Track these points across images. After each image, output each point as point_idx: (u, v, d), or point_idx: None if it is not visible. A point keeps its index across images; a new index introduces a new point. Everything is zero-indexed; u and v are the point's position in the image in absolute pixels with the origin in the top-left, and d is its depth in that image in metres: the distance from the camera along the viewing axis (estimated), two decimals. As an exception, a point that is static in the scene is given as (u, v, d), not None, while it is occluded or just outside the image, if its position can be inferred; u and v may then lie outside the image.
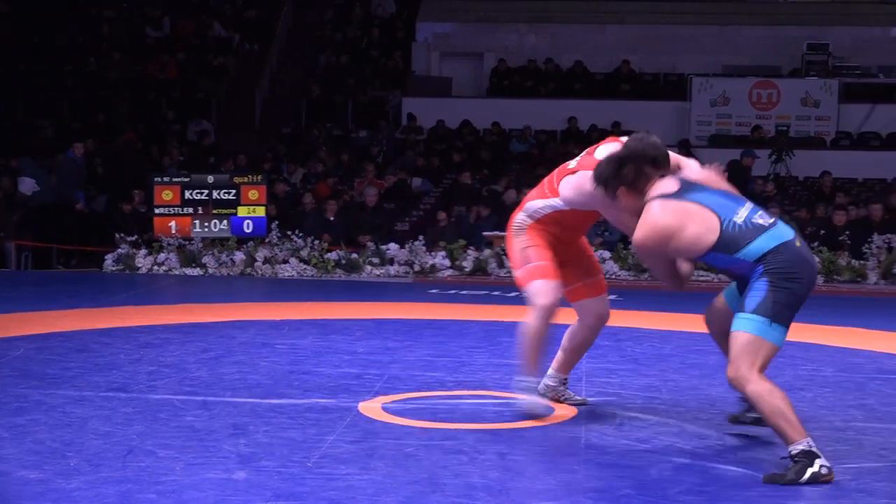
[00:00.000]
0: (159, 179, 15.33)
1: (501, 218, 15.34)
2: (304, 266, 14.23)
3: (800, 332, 9.41)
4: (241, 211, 15.13)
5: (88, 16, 25.76)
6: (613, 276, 13.91)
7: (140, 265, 14.47)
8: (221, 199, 15.12)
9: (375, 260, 14.30)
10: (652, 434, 5.64)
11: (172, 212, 15.05)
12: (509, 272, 13.90)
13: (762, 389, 4.88)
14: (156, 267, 14.44)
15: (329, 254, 14.34)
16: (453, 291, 12.52)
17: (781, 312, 4.98)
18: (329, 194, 17.35)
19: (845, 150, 21.77)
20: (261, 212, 15.16)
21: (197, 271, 14.29)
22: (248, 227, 15.09)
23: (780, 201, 16.83)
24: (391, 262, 14.28)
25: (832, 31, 24.49)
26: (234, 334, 8.81)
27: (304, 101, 23.56)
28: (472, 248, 14.54)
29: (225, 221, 15.09)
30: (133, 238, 14.79)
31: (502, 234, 14.53)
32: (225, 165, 18.64)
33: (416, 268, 14.21)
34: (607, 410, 6.18)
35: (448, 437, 5.52)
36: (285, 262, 14.29)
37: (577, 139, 21.86)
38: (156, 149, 20.21)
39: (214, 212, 15.10)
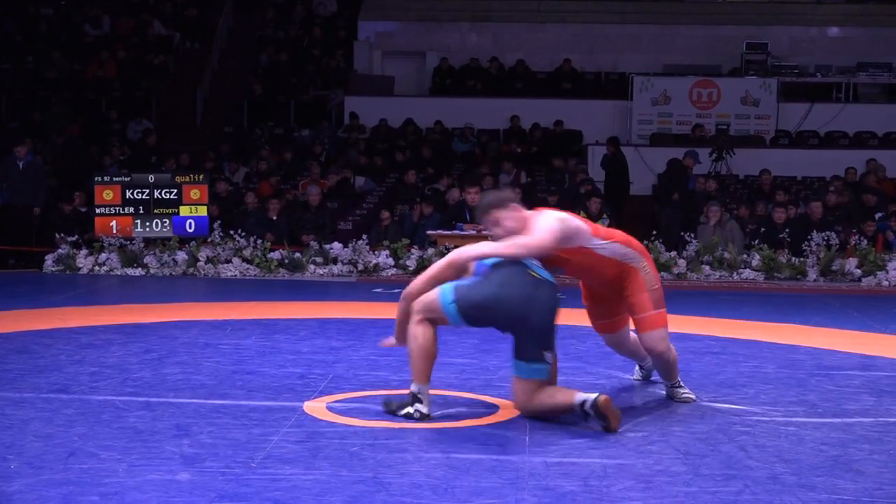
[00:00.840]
0: (100, 179, 15.21)
1: (445, 217, 15.37)
2: (247, 266, 14.17)
3: (741, 330, 9.53)
4: (183, 210, 15.04)
5: (26, 14, 25.48)
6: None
7: (81, 265, 14.35)
8: (163, 198, 15.02)
9: (319, 259, 14.26)
10: (596, 431, 5.67)
11: (113, 211, 14.94)
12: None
13: (421, 330, 5.81)
14: (97, 267, 14.32)
15: (272, 253, 14.29)
16: (397, 290, 12.38)
17: (469, 298, 5.78)
18: (271, 193, 17.28)
19: (784, 148, 22.00)
20: (203, 211, 15.07)
21: (139, 271, 14.19)
22: (190, 227, 15.00)
23: (721, 199, 16.96)
24: (335, 261, 14.26)
25: (771, 30, 24.76)
26: (176, 335, 8.76)
27: (246, 101, 23.45)
28: (415, 247, 14.54)
29: (167, 221, 14.99)
30: (74, 238, 14.65)
31: (445, 232, 14.57)
32: (166, 165, 18.51)
33: (360, 267, 14.19)
34: (551, 408, 6.21)
35: (393, 436, 5.52)
36: (228, 261, 14.22)
37: (520, 138, 21.95)
38: (96, 148, 20.04)
39: (156, 211, 15.00)
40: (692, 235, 14.84)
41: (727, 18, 25.19)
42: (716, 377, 7.25)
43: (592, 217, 15.36)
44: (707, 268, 14.28)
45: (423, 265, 14.05)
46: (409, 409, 5.85)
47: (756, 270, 14.25)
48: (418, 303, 5.87)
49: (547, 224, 5.94)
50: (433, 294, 5.84)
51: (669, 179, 18.79)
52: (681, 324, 9.88)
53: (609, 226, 15.20)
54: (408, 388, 6.69)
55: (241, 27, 26.23)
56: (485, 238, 14.25)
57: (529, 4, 25.54)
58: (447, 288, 5.82)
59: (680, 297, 12.45)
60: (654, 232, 15.26)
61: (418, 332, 5.81)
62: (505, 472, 4.90)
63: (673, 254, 14.49)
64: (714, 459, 5.16)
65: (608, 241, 6.20)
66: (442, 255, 14.04)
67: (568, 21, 25.31)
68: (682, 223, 16.69)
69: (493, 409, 6.19)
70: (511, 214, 6.02)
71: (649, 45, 24.94)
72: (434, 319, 5.83)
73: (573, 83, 24.08)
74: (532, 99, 23.09)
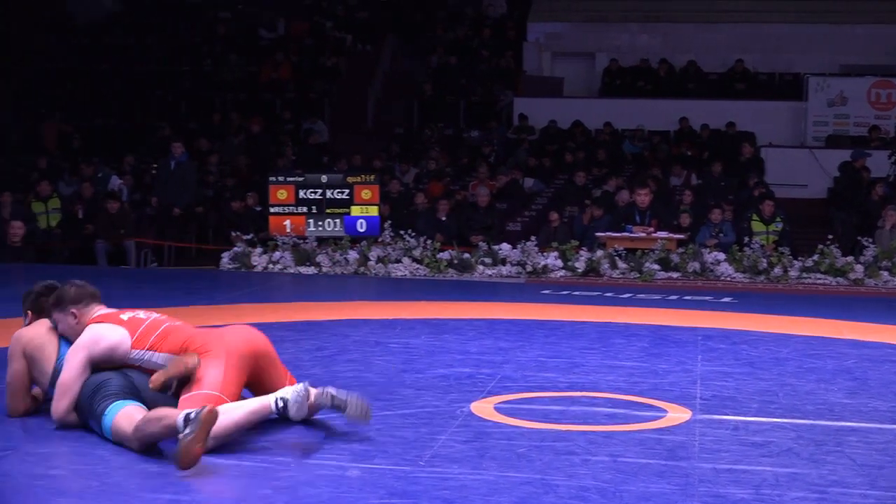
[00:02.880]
0: (274, 179, 15.51)
1: (614, 218, 15.29)
2: (417, 265, 14.28)
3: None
4: (355, 210, 15.26)
5: (204, 17, 26.22)
6: (728, 279, 13.75)
7: (255, 263, 14.64)
8: (335, 198, 15.26)
9: (488, 260, 14.30)
10: (768, 439, 5.56)
11: (287, 211, 15.23)
12: (623, 273, 13.85)
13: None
14: (271, 265, 14.60)
15: (441, 253, 14.38)
16: (566, 292, 12.46)
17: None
18: (441, 194, 17.40)
19: (969, 150, 21.24)
20: (374, 211, 15.26)
21: (311, 270, 14.42)
22: (361, 227, 15.21)
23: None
24: (503, 262, 14.27)
25: (953, 28, 23.93)
26: (347, 332, 8.88)
27: (416, 101, 23.67)
28: (584, 248, 14.47)
29: (338, 221, 15.22)
30: (249, 237, 14.98)
31: (615, 235, 14.48)
32: (338, 165, 18.81)
33: (529, 268, 14.18)
34: (723, 414, 6.11)
35: (560, 438, 5.50)
36: (398, 261, 14.35)
37: (690, 139, 21.67)
38: (271, 148, 20.51)
39: (328, 211, 15.24)
40: (869, 240, 14.42)
41: (907, 17, 24.44)
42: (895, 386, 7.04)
43: (765, 220, 15.09)
44: (886, 273, 13.87)
45: (591, 267, 13.98)
46: None
47: (938, 276, 13.79)
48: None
49: (76, 350, 5.54)
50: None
51: (848, 187, 18.31)
52: (859, 331, 9.64)
53: (782, 229, 14.97)
54: (575, 390, 6.69)
55: (410, 28, 26.48)
56: (654, 241, 14.12)
57: (701, 4, 25.19)
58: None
59: (857, 304, 12.14)
60: (830, 236, 14.87)
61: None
62: (674, 478, 4.84)
63: (850, 259, 14.11)
64: (892, 471, 5.00)
65: (150, 351, 5.58)
66: (611, 257, 13.98)
67: (740, 21, 24.89)
68: (858, 227, 16.25)
69: (661, 413, 6.12)
70: (64, 318, 5.71)
71: (825, 44, 24.32)
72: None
73: (746, 84, 23.67)
74: (704, 100, 22.76)
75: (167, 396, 5.44)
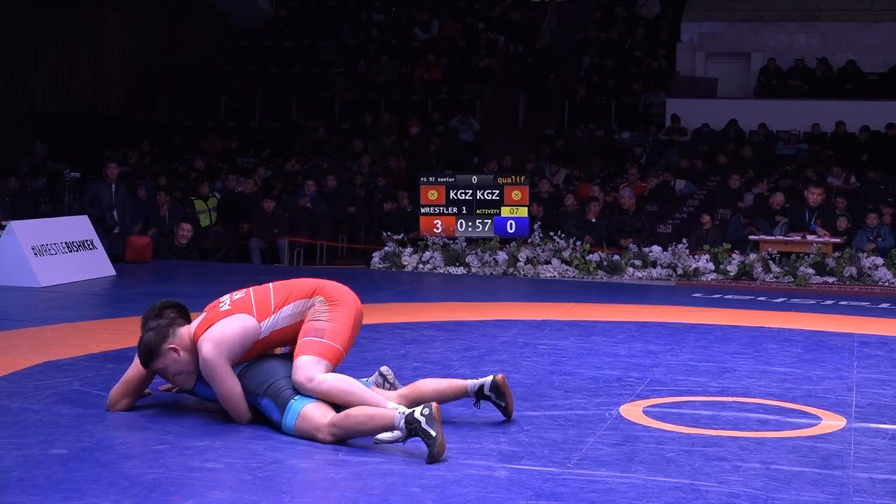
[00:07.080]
0: (425, 179, 15.62)
1: (770, 221, 15.03)
2: (566, 267, 14.24)
3: None
4: (504, 211, 15.27)
5: (359, 19, 26.57)
6: (887, 284, 13.39)
7: (406, 263, 14.76)
8: (485, 199, 15.29)
9: (638, 262, 14.18)
10: (927, 449, 5.42)
11: (437, 211, 15.32)
12: (776, 277, 13.61)
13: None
14: (421, 265, 14.70)
15: (591, 255, 14.31)
16: (717, 295, 12.28)
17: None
18: (591, 195, 17.32)
19: None
20: (523, 212, 15.26)
21: (461, 270, 14.48)
22: (510, 228, 15.22)
23: None
24: (654, 264, 14.14)
25: None
26: (496, 333, 8.90)
27: (568, 102, 23.59)
28: (736, 251, 14.25)
29: (488, 221, 15.26)
30: (399, 237, 15.12)
31: (769, 237, 14.23)
32: (488, 166, 18.87)
33: (679, 271, 14.03)
34: (879, 423, 5.97)
35: (710, 443, 5.44)
36: (547, 262, 14.33)
37: (847, 141, 21.17)
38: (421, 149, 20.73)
39: (478, 212, 15.28)
40: None
41: None
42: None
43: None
44: None
45: (744, 271, 13.77)
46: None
47: None
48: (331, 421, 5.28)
49: (214, 365, 5.45)
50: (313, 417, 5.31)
51: None
52: None
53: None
54: (725, 395, 6.59)
55: (563, 29, 26.43)
56: (809, 245, 13.80)
57: (862, 3, 24.60)
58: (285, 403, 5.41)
59: None
60: None
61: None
62: (828, 487, 4.74)
63: None
64: None
65: (279, 310, 5.67)
66: (765, 260, 13.73)
67: (904, 20, 24.26)
68: None
69: (815, 420, 6.00)
70: (171, 359, 5.56)
71: None
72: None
73: (908, 84, 23.05)
74: (863, 101, 22.21)
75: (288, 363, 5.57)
